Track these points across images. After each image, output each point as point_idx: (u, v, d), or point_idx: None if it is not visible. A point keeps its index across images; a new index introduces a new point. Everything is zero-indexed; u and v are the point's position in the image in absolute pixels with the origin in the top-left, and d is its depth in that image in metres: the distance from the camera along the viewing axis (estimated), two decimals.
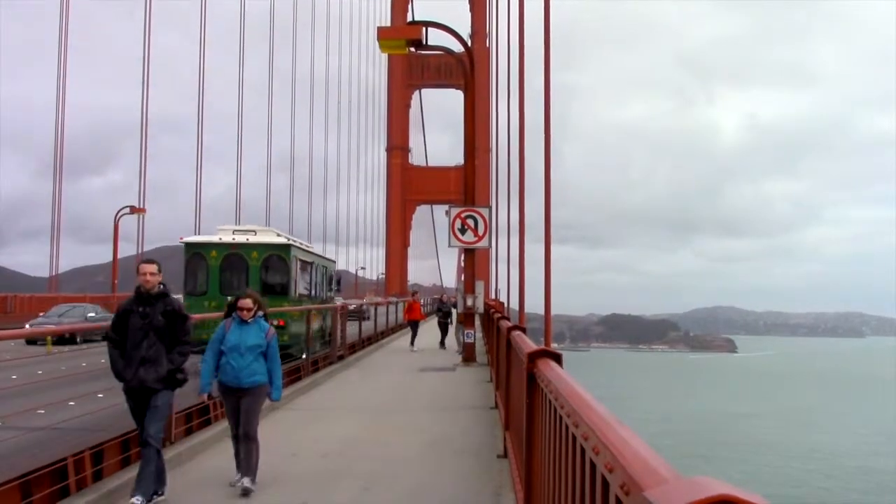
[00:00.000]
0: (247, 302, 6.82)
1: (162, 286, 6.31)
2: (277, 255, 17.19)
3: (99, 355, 8.98)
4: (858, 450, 59.44)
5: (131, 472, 6.86)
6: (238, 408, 6.68)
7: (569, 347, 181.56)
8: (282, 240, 17.70)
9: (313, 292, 19.54)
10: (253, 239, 17.28)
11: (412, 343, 23.71)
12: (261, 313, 6.88)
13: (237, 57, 62.60)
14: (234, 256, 17.08)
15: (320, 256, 21.81)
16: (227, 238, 17.34)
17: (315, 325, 17.71)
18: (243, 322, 6.76)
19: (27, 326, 21.58)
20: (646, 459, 1.57)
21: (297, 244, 18.62)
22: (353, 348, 20.36)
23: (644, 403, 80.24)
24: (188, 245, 17.32)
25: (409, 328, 24.83)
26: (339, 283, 24.20)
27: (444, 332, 24.75)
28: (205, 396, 7.07)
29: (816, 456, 56.58)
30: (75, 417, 7.28)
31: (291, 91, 73.78)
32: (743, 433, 65.68)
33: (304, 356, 16.00)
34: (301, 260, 18.42)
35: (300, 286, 18.23)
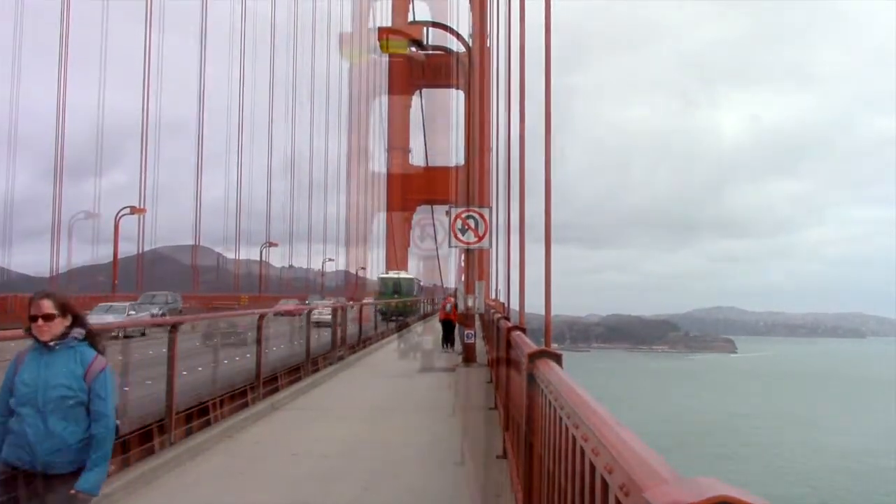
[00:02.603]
0: (43, 304, 3.66)
1: None
2: (409, 282, 49.63)
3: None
4: (861, 450, 59.38)
5: (132, 473, 6.88)
6: None
7: (569, 348, 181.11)
8: (412, 275, 52.25)
9: (417, 294, 50.10)
10: (401, 276, 50.56)
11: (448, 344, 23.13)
12: (80, 331, 3.74)
13: (238, 59, 62.78)
14: (395, 281, 48.41)
15: (419, 279, 53.89)
16: (394, 275, 50.66)
17: (418, 306, 45.38)
18: (45, 347, 3.66)
19: None
20: (645, 460, 1.57)
21: (415, 277, 52.48)
22: (354, 348, 20.37)
23: (644, 404, 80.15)
24: (381, 277, 51.58)
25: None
26: (422, 289, 55.04)
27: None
28: None
29: (818, 456, 56.55)
30: None
31: (292, 92, 73.93)
32: (743, 433, 65.62)
33: (413, 316, 38.83)
34: (417, 283, 51.95)
35: (414, 291, 48.82)
